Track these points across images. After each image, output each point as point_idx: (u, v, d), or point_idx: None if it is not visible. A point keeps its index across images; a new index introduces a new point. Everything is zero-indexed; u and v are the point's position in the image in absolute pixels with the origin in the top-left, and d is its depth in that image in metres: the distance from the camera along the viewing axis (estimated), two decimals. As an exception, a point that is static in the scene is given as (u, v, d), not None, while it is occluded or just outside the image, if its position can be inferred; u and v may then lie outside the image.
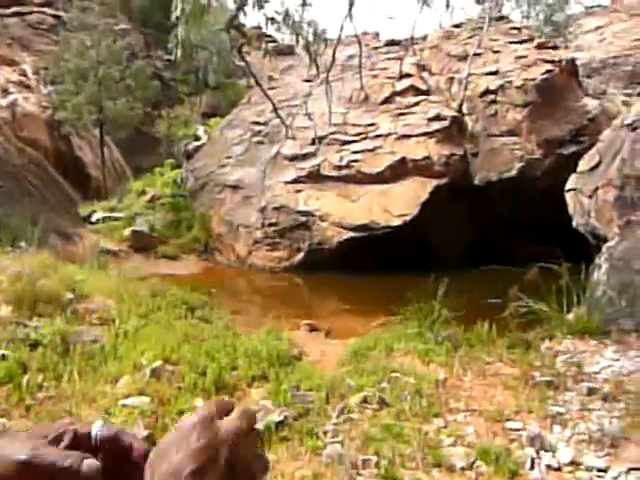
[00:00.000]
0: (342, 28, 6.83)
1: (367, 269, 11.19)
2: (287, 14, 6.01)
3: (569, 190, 10.12)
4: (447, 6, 7.01)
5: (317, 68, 6.41)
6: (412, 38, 10.21)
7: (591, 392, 4.06)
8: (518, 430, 3.60)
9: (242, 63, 18.95)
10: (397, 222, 12.34)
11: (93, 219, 14.11)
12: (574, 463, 3.20)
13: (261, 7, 6.21)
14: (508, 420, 3.75)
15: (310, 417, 3.84)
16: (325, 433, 3.59)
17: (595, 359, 4.85)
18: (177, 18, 5.91)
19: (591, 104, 13.95)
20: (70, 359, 4.66)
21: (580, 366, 4.61)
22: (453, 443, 3.49)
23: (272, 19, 6.27)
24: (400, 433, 3.56)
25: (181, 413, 3.91)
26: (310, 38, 6.10)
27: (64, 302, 5.93)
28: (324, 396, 4.10)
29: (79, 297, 6.36)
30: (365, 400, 3.99)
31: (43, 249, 8.79)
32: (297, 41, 6.14)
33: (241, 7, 6.09)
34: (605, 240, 8.51)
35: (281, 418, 3.74)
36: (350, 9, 6.59)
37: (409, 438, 3.50)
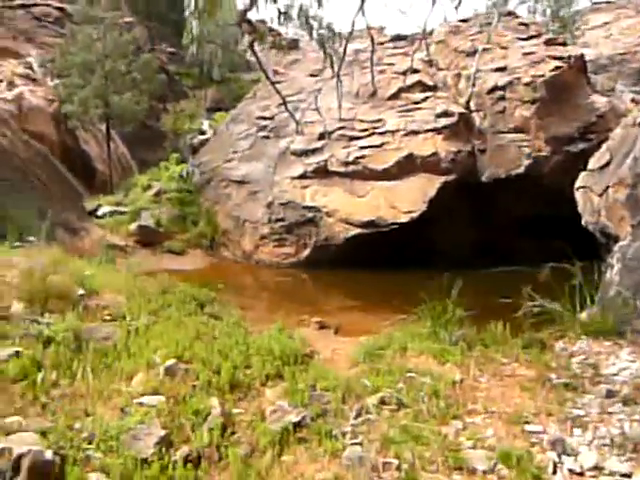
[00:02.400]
0: (354, 24, 6.75)
1: (373, 266, 11.18)
2: (301, 9, 5.94)
3: (579, 188, 10.06)
4: (459, 3, 6.94)
5: (332, 64, 6.35)
6: (424, 32, 10.15)
7: (610, 395, 4.02)
8: (538, 433, 3.57)
9: (252, 58, 18.82)
10: (404, 219, 12.31)
11: (99, 213, 14.10)
12: (597, 468, 3.17)
13: (274, 1, 6.13)
14: (527, 423, 3.71)
15: (327, 418, 3.82)
16: (344, 434, 3.56)
17: (611, 360, 4.81)
18: (191, 13, 5.83)
19: (599, 101, 13.87)
20: (83, 356, 4.63)
21: (596, 368, 4.57)
22: (473, 446, 3.46)
23: (285, 13, 6.19)
24: (419, 435, 3.53)
25: (197, 413, 3.89)
26: (325, 34, 6.04)
27: (75, 298, 5.90)
28: (340, 396, 4.08)
29: (89, 293, 6.33)
30: (382, 401, 3.96)
31: (51, 243, 8.77)
32: (310, 36, 6.06)
33: (254, 1, 6.02)
34: (616, 239, 8.46)
35: (299, 419, 3.72)
36: (362, 4, 6.51)
37: (428, 440, 3.47)
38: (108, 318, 5.80)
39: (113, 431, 3.52)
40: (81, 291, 6.15)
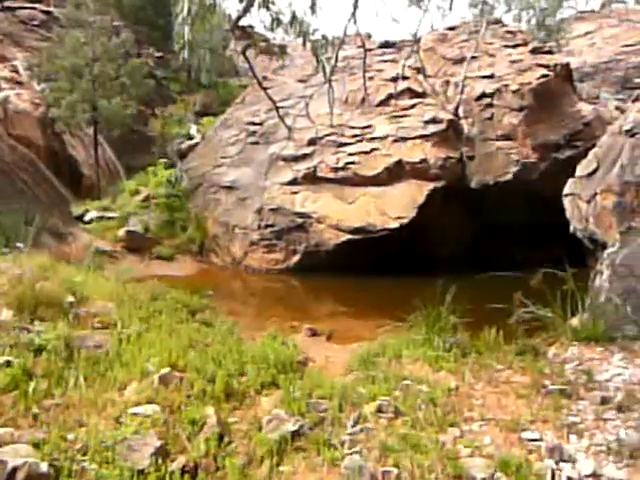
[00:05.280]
0: (345, 31, 6.77)
1: (364, 272, 11.19)
2: (294, 16, 5.94)
3: (567, 195, 10.17)
4: (450, 8, 6.99)
5: (324, 70, 6.36)
6: (415, 39, 10.21)
7: (604, 401, 4.05)
8: (535, 440, 3.58)
9: (241, 63, 18.76)
10: (394, 225, 12.35)
11: (86, 218, 13.96)
12: (595, 475, 3.18)
13: (267, 8, 6.14)
14: (524, 430, 3.72)
15: (325, 427, 3.80)
16: (342, 443, 3.54)
17: (604, 367, 4.85)
18: (183, 19, 5.80)
19: (586, 109, 14.07)
20: (75, 365, 4.56)
21: (590, 374, 4.61)
22: (471, 454, 3.46)
23: (278, 20, 6.19)
24: (417, 443, 3.53)
25: (192, 422, 3.85)
26: (318, 41, 6.04)
27: (65, 305, 5.82)
28: (337, 405, 4.06)
29: (79, 300, 6.25)
30: (379, 409, 3.95)
31: (37, 249, 8.65)
32: (304, 44, 6.07)
33: (248, 8, 6.02)
34: (604, 246, 8.56)
35: (296, 428, 3.69)
36: (354, 11, 6.54)
37: (427, 449, 3.47)
38: (99, 326, 5.73)
39: (108, 442, 3.46)
40: (71, 298, 6.07)
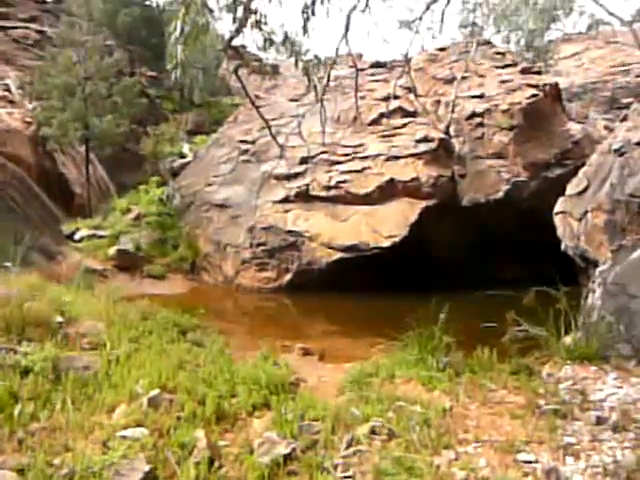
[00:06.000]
0: (337, 51, 6.82)
1: (356, 290, 11.15)
2: (287, 37, 5.99)
3: (558, 213, 10.23)
4: (440, 31, 7.10)
5: (315, 90, 6.39)
6: (406, 59, 10.33)
7: (600, 421, 4.02)
8: (531, 462, 3.53)
9: (233, 82, 18.86)
10: (386, 243, 12.36)
11: (77, 237, 13.85)
12: (592, 498, 3.15)
13: (260, 28, 6.18)
14: (519, 451, 3.67)
15: (318, 449, 3.72)
16: (335, 467, 3.47)
17: (598, 386, 4.82)
18: (175, 38, 5.82)
19: (575, 128, 14.26)
20: (62, 387, 4.47)
21: (584, 393, 4.57)
22: (466, 477, 3.40)
23: (271, 40, 6.24)
24: (412, 466, 3.46)
25: (182, 446, 3.76)
26: (309, 61, 6.09)
27: (53, 326, 5.73)
28: (330, 427, 3.99)
29: (68, 320, 6.15)
30: (373, 431, 3.89)
31: (27, 268, 8.54)
32: (296, 64, 6.11)
33: (240, 28, 6.05)
34: (595, 264, 8.59)
35: (288, 451, 3.62)
36: (346, 33, 6.60)
37: (421, 472, 3.40)
38: (88, 347, 5.64)
39: (95, 467, 3.37)
40: (60, 318, 5.98)
